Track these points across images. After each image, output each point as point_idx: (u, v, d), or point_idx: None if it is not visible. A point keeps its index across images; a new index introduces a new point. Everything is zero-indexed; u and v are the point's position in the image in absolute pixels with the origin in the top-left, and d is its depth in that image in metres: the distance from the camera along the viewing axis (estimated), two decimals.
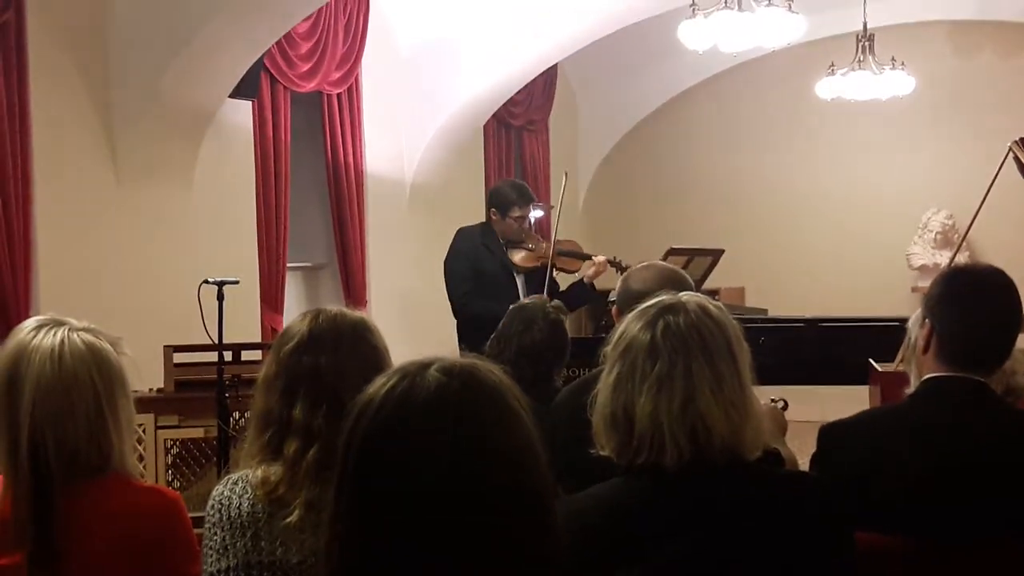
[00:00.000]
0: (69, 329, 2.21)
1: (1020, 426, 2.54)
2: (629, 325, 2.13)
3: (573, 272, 6.39)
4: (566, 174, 6.87)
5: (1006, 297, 2.61)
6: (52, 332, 2.19)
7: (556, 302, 4.08)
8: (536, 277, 6.05)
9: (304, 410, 2.18)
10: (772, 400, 3.33)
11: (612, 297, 6.68)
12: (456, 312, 6.06)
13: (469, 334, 6.00)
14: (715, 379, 2.05)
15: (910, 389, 2.67)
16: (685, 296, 2.16)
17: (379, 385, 1.49)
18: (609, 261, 6.15)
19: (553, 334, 3.90)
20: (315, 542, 2.05)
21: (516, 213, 6.02)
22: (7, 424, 2.12)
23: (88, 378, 2.16)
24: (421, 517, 1.41)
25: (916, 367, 2.68)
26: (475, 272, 6.03)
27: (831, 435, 2.64)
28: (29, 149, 5.80)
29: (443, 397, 1.46)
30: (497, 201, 6.08)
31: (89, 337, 2.22)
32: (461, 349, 6.05)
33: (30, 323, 2.24)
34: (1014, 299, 2.62)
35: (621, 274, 6.22)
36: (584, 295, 6.29)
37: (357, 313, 2.37)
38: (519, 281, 6.07)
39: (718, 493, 2.02)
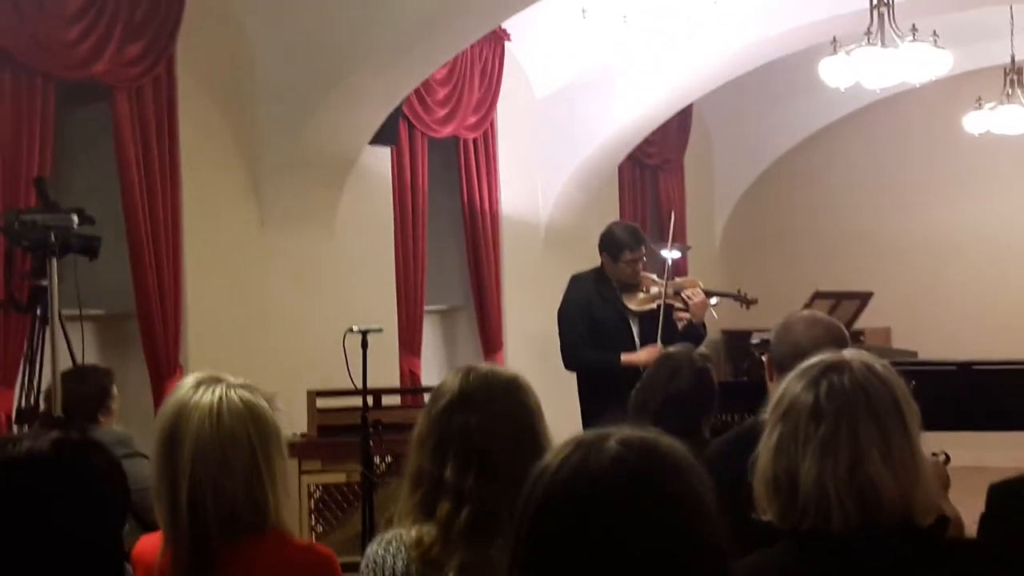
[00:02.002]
0: (227, 386, 2.24)
1: None
2: (791, 385, 2.06)
3: (693, 311, 6.11)
4: (672, 213, 6.71)
5: None
6: (211, 390, 2.22)
7: (703, 350, 4.00)
8: (650, 319, 5.82)
9: (455, 470, 2.16)
10: (933, 454, 3.21)
11: (755, 340, 6.50)
12: (565, 362, 5.92)
13: (588, 384, 5.89)
14: (883, 441, 1.97)
15: None
16: (848, 354, 2.08)
17: (556, 453, 1.49)
18: (733, 294, 5.94)
19: (700, 383, 3.82)
20: None
21: (628, 256, 5.82)
22: (168, 481, 2.16)
23: (245, 435, 2.19)
24: None
25: None
26: (589, 319, 5.84)
27: (1002, 495, 2.52)
28: (179, 199, 5.98)
29: (619, 469, 1.44)
30: (608, 245, 5.89)
31: (246, 394, 2.24)
32: (586, 398, 5.93)
33: (189, 380, 2.27)
34: None
35: (745, 307, 6.09)
36: (696, 333, 5.93)
37: (510, 371, 2.36)
38: (634, 326, 5.88)
39: (890, 559, 1.94)
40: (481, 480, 2.13)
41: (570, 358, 5.86)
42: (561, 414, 6.93)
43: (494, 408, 2.21)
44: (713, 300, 6.01)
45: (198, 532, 2.11)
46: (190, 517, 2.12)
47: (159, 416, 2.21)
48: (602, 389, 5.53)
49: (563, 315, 5.93)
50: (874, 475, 1.94)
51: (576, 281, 6.00)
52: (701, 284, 6.07)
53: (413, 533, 2.17)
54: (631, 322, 5.90)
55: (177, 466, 2.14)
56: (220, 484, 2.14)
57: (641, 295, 5.85)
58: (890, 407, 2.00)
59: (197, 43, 6.08)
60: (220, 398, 2.20)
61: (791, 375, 2.11)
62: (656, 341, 5.65)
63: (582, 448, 1.47)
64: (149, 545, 2.22)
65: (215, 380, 2.26)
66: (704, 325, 5.92)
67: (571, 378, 6.43)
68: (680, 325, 5.82)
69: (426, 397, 2.39)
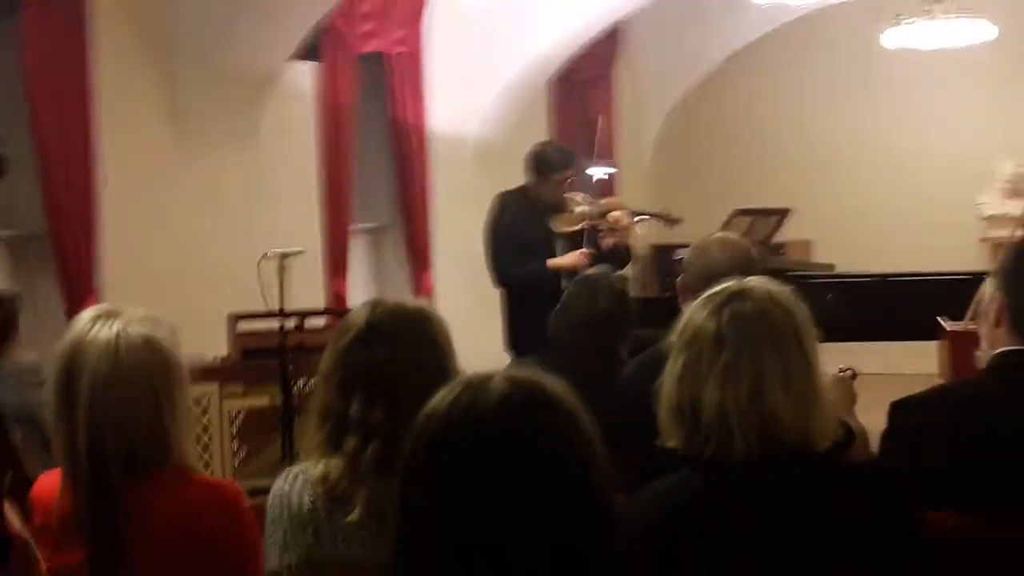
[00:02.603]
0: (125, 320, 2.17)
1: None
2: (694, 313, 2.08)
3: (619, 231, 6.06)
4: (600, 117, 6.59)
5: None
6: (108, 324, 2.14)
7: (619, 273, 4.01)
8: (576, 241, 5.75)
9: (361, 405, 2.13)
10: (841, 369, 3.24)
11: (679, 256, 6.50)
12: (494, 280, 5.88)
13: (514, 302, 5.87)
14: (783, 368, 2.00)
15: (981, 354, 2.59)
16: (752, 282, 2.10)
17: (442, 396, 1.52)
18: (658, 214, 5.93)
19: (618, 305, 3.84)
20: (378, 540, 2.04)
21: (557, 176, 5.70)
22: (65, 420, 2.11)
23: (144, 371, 2.13)
24: (483, 522, 1.44)
25: (988, 339, 2.59)
26: (515, 238, 5.76)
27: (903, 412, 2.56)
28: (91, 117, 5.83)
29: (506, 407, 1.48)
30: (537, 164, 5.75)
31: (145, 328, 2.17)
32: (511, 317, 5.90)
33: (86, 315, 2.20)
34: None
35: (669, 226, 6.07)
36: (619, 256, 5.87)
37: (418, 303, 2.32)
38: (559, 247, 5.76)
39: (791, 485, 1.98)
40: (388, 415, 2.10)
41: (498, 275, 5.83)
42: (489, 331, 6.97)
43: (401, 342, 2.18)
44: (639, 220, 5.99)
45: (97, 471, 2.07)
46: (89, 457, 2.08)
47: (54, 354, 2.16)
48: (527, 307, 5.50)
49: (490, 233, 5.87)
50: (774, 403, 1.97)
51: (502, 199, 5.91)
52: (628, 205, 6.02)
53: (320, 468, 2.15)
54: (557, 243, 5.86)
55: (74, 405, 2.09)
56: (119, 422, 2.10)
57: (567, 216, 5.78)
58: (791, 334, 2.02)
59: None
60: (117, 333, 2.13)
61: (695, 303, 2.12)
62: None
63: (470, 388, 1.50)
64: (47, 484, 2.18)
65: (112, 314, 2.18)
66: (628, 248, 5.87)
67: (499, 296, 6.43)
68: (604, 244, 5.78)
69: (358, 305, 2.35)
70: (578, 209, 5.75)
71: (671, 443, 2.06)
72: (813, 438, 2.00)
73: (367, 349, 2.18)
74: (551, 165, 5.73)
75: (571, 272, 5.45)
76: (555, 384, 1.53)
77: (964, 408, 2.46)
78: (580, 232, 5.72)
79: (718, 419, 1.98)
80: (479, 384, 1.51)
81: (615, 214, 5.73)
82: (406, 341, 2.19)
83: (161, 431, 2.13)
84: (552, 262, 5.66)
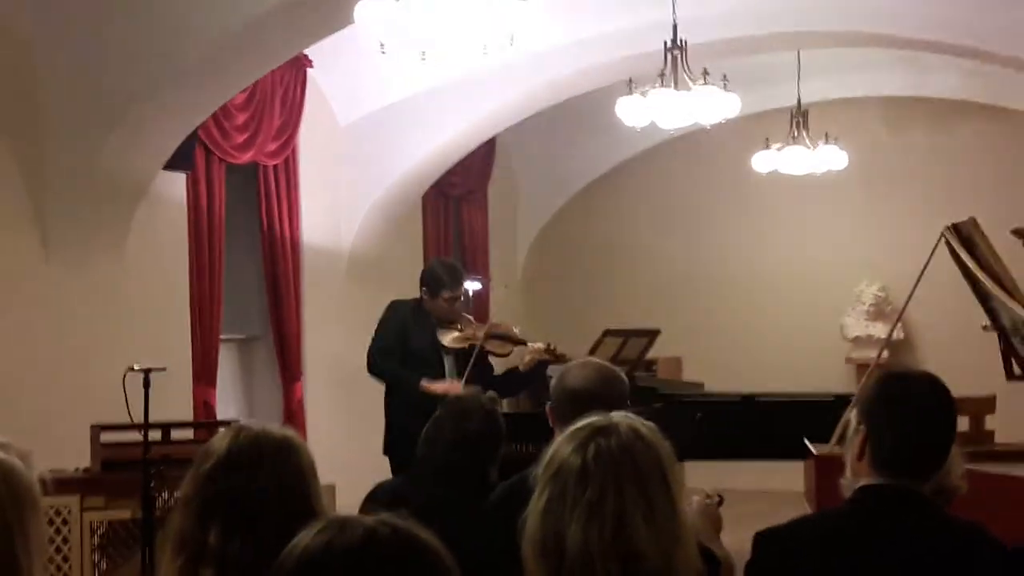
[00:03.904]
0: None
1: (952, 537, 2.53)
2: (560, 447, 2.09)
3: (504, 356, 6.25)
4: (506, 286, 6.72)
5: (940, 405, 2.60)
6: None
7: (491, 393, 4.03)
8: (464, 359, 5.93)
9: (219, 535, 2.08)
10: (708, 497, 3.28)
11: (550, 373, 6.60)
12: (369, 366, 5.92)
13: (393, 407, 5.91)
14: (647, 504, 2.01)
15: (845, 483, 2.64)
16: (617, 417, 2.12)
17: (306, 533, 1.50)
18: (545, 349, 6.03)
19: (489, 426, 3.85)
20: None
21: (447, 294, 5.89)
22: None
23: None
24: None
25: (852, 469, 2.65)
26: (403, 345, 5.90)
27: (767, 543, 2.60)
28: None
29: (370, 548, 1.46)
30: (428, 281, 5.95)
31: None
32: (389, 421, 5.95)
33: None
34: (948, 407, 2.61)
35: (555, 362, 6.18)
36: (518, 382, 6.21)
37: (282, 430, 2.26)
38: (447, 362, 5.95)
39: None
40: (247, 547, 2.06)
41: (374, 364, 5.88)
42: (361, 442, 6.90)
43: (264, 471, 2.14)
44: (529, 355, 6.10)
45: None
46: None
47: None
48: (406, 414, 5.56)
49: (380, 325, 5.95)
50: (637, 540, 1.98)
51: (394, 307, 6.04)
52: (516, 330, 6.19)
53: None
54: (444, 357, 5.95)
55: None
56: None
57: (456, 333, 5.93)
58: (654, 471, 2.04)
59: None
60: None
61: (561, 437, 2.13)
62: (463, 378, 5.72)
63: (335, 526, 1.48)
64: None
65: None
66: (532, 370, 6.02)
67: (372, 406, 6.40)
68: (525, 366, 5.99)
69: (220, 430, 2.31)
70: (468, 329, 5.90)
71: None
72: (676, 574, 2.02)
73: (227, 477, 2.13)
74: (441, 282, 5.90)
75: (474, 366, 5.74)
76: (420, 528, 1.51)
77: (825, 542, 2.50)
78: (468, 350, 5.85)
79: (581, 556, 1.97)
80: (344, 523, 1.49)
81: (538, 346, 5.92)
82: (269, 470, 2.14)
83: (11, 560, 2.03)
84: (426, 385, 5.73)
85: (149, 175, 6.63)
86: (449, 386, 5.63)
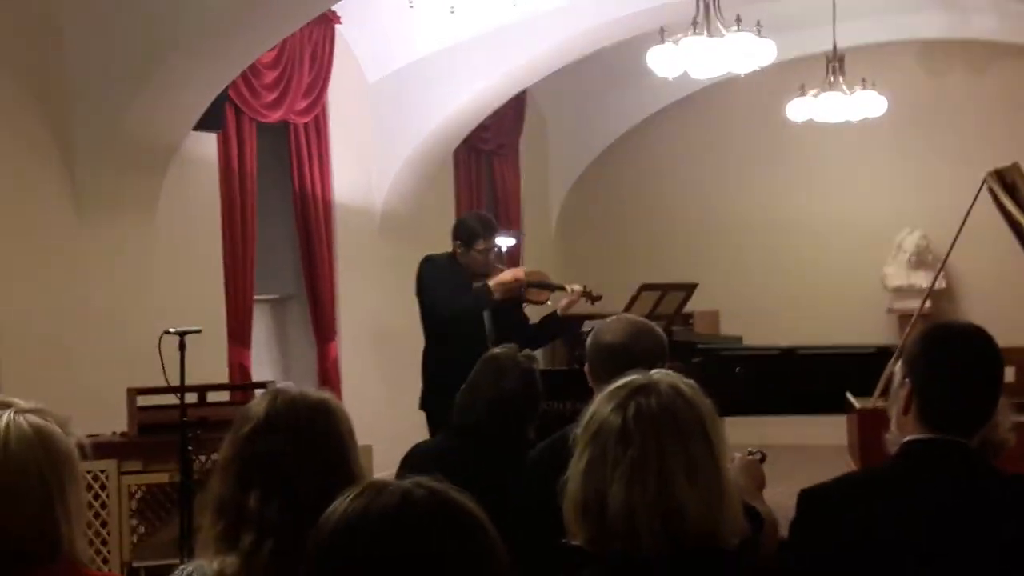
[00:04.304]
0: (15, 411, 2.09)
1: (1002, 491, 2.46)
2: (600, 406, 2.06)
3: (542, 303, 6.26)
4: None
5: (986, 357, 2.54)
6: None
7: (527, 351, 3.97)
8: (502, 309, 5.93)
9: (258, 499, 2.07)
10: (750, 452, 3.23)
11: (587, 327, 6.58)
12: (440, 312, 5.87)
13: (434, 358, 5.89)
14: (690, 464, 1.99)
15: (890, 437, 2.59)
16: (657, 375, 2.09)
17: (343, 499, 1.51)
18: (583, 291, 6.02)
19: (526, 384, 3.79)
20: None
21: (481, 246, 5.88)
22: None
23: (35, 464, 2.05)
24: None
25: (897, 424, 2.59)
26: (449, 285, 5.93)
27: (812, 501, 2.55)
28: None
29: (407, 512, 1.46)
30: (461, 234, 5.94)
31: (36, 419, 2.10)
32: (429, 374, 5.94)
33: None
34: (995, 358, 2.54)
35: (593, 303, 6.16)
36: (558, 327, 6.20)
37: (319, 394, 2.25)
38: (485, 315, 5.94)
39: None
40: (286, 510, 2.05)
41: (444, 307, 5.85)
42: (396, 400, 6.88)
43: (301, 435, 2.13)
44: (556, 292, 6.17)
45: None
46: None
47: None
48: (448, 366, 5.52)
49: (428, 278, 5.93)
50: (681, 499, 1.96)
51: (431, 262, 6.01)
52: (548, 275, 6.24)
53: (215, 565, 2.08)
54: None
55: None
56: (7, 515, 2.02)
57: (502, 279, 5.95)
58: (697, 430, 2.02)
59: (5, 26, 5.78)
60: (7, 425, 2.06)
61: (600, 396, 2.11)
62: (507, 332, 5.70)
63: (369, 492, 1.49)
64: None
65: (1, 405, 2.10)
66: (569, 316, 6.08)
67: (407, 363, 6.37)
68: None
69: (257, 392, 2.29)
70: (511, 273, 5.93)
71: (576, 540, 2.03)
72: (721, 535, 1.99)
73: (266, 441, 2.13)
74: (475, 233, 5.89)
75: (509, 291, 5.84)
76: (456, 491, 1.51)
77: (871, 500, 2.45)
78: (506, 300, 5.86)
79: (624, 516, 1.96)
80: (380, 487, 1.49)
81: (576, 287, 5.99)
82: (307, 434, 2.14)
83: (51, 526, 2.05)
84: (491, 282, 5.87)
85: (179, 135, 6.60)
86: (515, 271, 5.99)
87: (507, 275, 5.87)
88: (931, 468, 2.44)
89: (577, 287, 6.02)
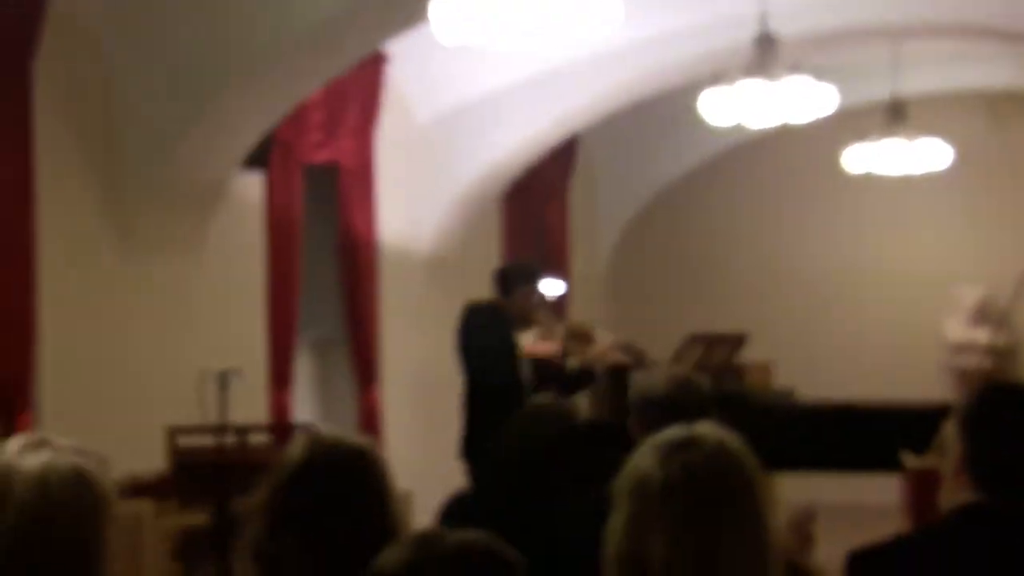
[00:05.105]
0: (54, 450, 2.12)
1: None
2: (641, 460, 2.00)
3: (583, 356, 6.19)
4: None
5: None
6: (37, 454, 2.10)
7: (568, 400, 3.89)
8: (542, 364, 5.90)
9: (292, 548, 2.06)
10: (800, 512, 3.16)
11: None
12: (496, 379, 5.82)
13: (477, 408, 5.84)
14: (734, 523, 1.92)
15: (944, 498, 2.51)
16: (701, 429, 2.01)
17: (392, 552, 1.52)
18: (624, 347, 5.96)
19: (565, 434, 3.68)
20: None
21: (524, 290, 5.92)
22: None
23: (75, 505, 2.08)
24: None
25: (950, 487, 2.53)
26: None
27: (861, 563, 2.50)
28: (32, 224, 5.66)
29: (450, 563, 1.49)
30: (504, 279, 5.99)
31: (77, 460, 2.12)
32: (470, 424, 5.89)
33: (13, 444, 2.15)
34: None
35: (634, 361, 6.07)
36: (590, 377, 6.14)
37: (358, 440, 2.22)
38: (525, 364, 5.90)
39: None
40: (321, 560, 2.03)
41: (480, 377, 5.90)
42: (437, 445, 6.79)
43: (338, 484, 2.10)
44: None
45: None
46: None
47: None
48: (489, 416, 5.49)
49: (469, 332, 5.96)
50: (724, 559, 1.89)
51: (476, 311, 6.03)
52: (593, 328, 6.22)
53: None
54: (522, 361, 5.97)
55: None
56: (43, 557, 2.04)
57: (534, 333, 5.93)
58: (740, 487, 1.95)
59: (55, 63, 5.79)
60: (48, 465, 2.08)
61: (642, 448, 2.05)
62: (544, 383, 5.67)
63: (413, 545, 1.50)
64: None
65: (41, 443, 2.13)
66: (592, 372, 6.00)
67: (450, 410, 6.30)
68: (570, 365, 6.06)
69: (296, 438, 2.27)
70: (550, 328, 5.89)
71: None
72: None
73: (301, 488, 2.11)
74: (517, 279, 5.93)
75: (543, 363, 5.80)
76: (499, 542, 1.52)
77: (923, 563, 2.40)
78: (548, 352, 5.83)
79: (664, 574, 1.88)
80: (424, 540, 1.51)
81: (607, 342, 6.06)
82: (344, 484, 2.11)
83: (87, 567, 2.06)
84: (528, 346, 5.89)
85: (226, 174, 6.60)
86: (552, 347, 5.98)
87: (543, 348, 5.80)
88: (984, 532, 2.38)
89: (617, 344, 6.05)
